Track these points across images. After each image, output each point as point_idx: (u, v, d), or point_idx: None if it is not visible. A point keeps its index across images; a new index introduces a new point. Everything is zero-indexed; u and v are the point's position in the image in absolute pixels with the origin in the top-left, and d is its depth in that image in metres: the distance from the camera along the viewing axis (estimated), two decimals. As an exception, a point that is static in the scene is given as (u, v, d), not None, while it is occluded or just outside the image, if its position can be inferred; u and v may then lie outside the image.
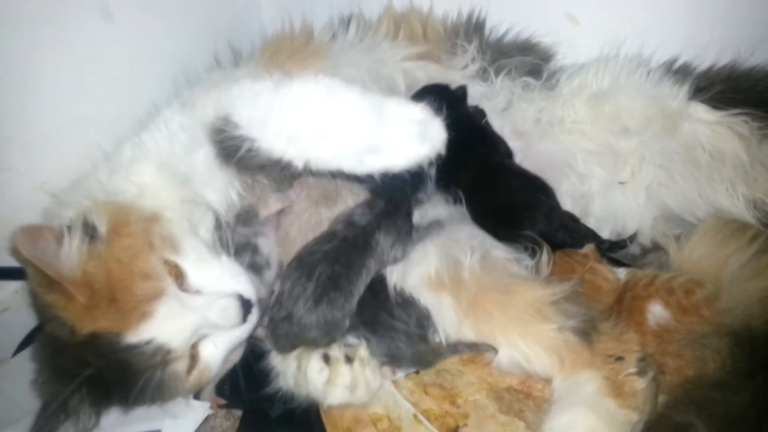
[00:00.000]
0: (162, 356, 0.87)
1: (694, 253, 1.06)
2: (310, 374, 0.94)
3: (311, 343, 0.96)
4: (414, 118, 0.81)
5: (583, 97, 1.20)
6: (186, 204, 0.97)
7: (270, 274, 1.05)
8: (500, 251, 1.04)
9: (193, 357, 0.91)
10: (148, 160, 0.96)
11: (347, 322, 0.97)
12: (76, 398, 0.86)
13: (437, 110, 0.83)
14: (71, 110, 1.12)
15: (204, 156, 0.92)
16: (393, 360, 1.00)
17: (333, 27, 1.23)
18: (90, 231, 0.89)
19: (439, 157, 0.84)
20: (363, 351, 0.96)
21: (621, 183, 1.17)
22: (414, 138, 0.80)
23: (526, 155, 1.21)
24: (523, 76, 1.22)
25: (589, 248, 1.09)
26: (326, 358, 0.94)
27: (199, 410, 0.97)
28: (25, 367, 0.97)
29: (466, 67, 1.23)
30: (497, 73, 1.21)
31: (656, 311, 1.00)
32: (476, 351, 1.04)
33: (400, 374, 1.04)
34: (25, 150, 1.10)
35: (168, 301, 0.87)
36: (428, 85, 1.17)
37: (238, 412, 1.02)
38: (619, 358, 0.93)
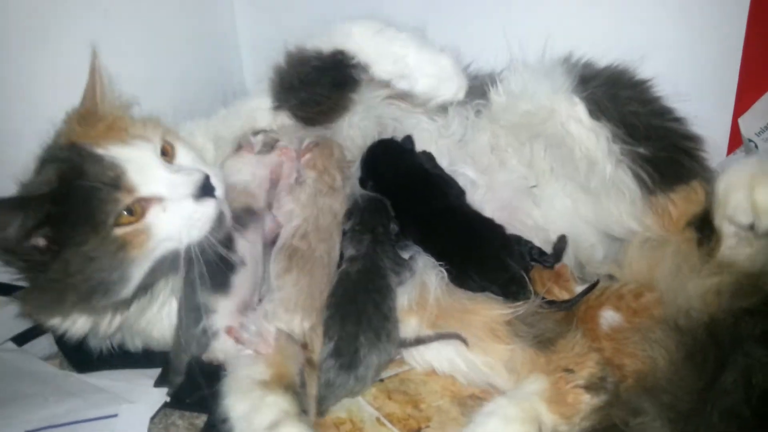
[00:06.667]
0: (114, 174, 0.92)
1: (634, 268, 1.12)
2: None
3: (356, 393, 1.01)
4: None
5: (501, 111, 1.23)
6: None
7: (245, 273, 1.05)
8: None
9: (138, 212, 0.92)
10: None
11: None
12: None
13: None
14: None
15: None
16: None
17: None
18: None
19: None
20: None
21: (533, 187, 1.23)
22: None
23: (490, 190, 1.23)
24: (476, 99, 1.23)
25: (560, 266, 1.15)
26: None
27: (157, 395, 0.98)
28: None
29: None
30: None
31: (608, 315, 1.06)
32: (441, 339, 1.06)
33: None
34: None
35: (146, 148, 0.97)
36: (378, 142, 1.23)
37: (200, 423, 1.00)
38: (569, 370, 0.96)
